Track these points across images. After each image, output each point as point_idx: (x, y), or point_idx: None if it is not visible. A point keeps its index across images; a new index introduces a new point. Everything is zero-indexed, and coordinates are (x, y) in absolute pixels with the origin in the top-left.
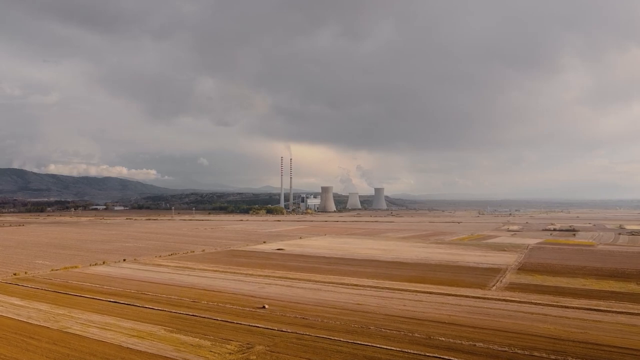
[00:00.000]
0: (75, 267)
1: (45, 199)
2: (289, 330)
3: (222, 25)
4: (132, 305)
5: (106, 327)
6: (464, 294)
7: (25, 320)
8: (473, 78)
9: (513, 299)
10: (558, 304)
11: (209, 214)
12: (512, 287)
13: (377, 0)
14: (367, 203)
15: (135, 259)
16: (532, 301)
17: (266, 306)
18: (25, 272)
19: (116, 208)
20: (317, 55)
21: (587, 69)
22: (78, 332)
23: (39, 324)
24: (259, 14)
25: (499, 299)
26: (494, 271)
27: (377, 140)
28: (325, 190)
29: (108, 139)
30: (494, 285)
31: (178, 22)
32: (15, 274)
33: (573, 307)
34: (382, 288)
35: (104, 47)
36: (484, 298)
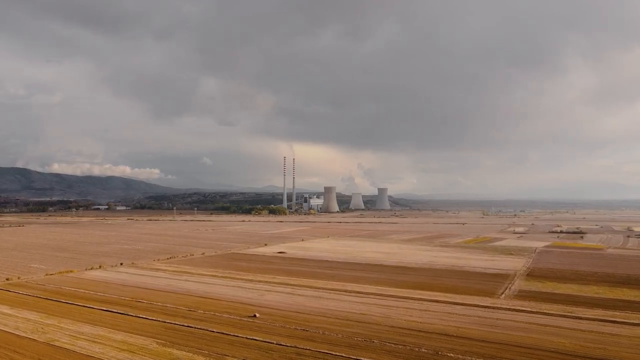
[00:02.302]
0: (71, 271)
1: (48, 199)
2: (288, 344)
3: (223, 26)
4: (126, 314)
5: (96, 340)
6: (472, 303)
7: (12, 331)
8: (475, 78)
9: (523, 308)
10: (571, 314)
11: (211, 214)
12: (522, 295)
13: (379, 0)
14: (370, 203)
15: (132, 263)
16: (544, 311)
17: (257, 314)
18: (19, 277)
19: (118, 208)
20: (319, 56)
21: (591, 69)
22: (66, 346)
23: (26, 335)
24: (260, 14)
25: (508, 309)
26: (502, 277)
27: (379, 140)
28: (328, 190)
29: (111, 139)
30: (502, 293)
31: (180, 23)
32: (8, 279)
33: (587, 319)
34: (387, 296)
35: (106, 47)
36: (493, 307)
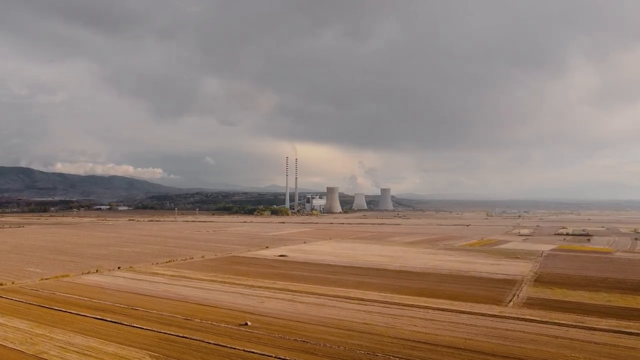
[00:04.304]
0: (67, 275)
1: (50, 199)
2: (287, 358)
3: (225, 26)
4: (120, 323)
5: (87, 352)
6: (479, 312)
7: (0, 342)
8: (477, 78)
9: (533, 318)
10: (583, 325)
11: (213, 214)
12: (531, 302)
13: (379, 0)
14: (373, 203)
15: (130, 267)
16: (555, 321)
17: (249, 322)
18: (12, 282)
19: (120, 208)
20: (320, 55)
21: (594, 69)
22: (54, 359)
23: (14, 347)
24: (262, 14)
25: (517, 318)
26: (509, 283)
27: (382, 139)
28: (330, 190)
29: (114, 138)
30: (510, 301)
31: (182, 22)
32: (1, 284)
33: (601, 330)
34: (390, 303)
35: (108, 47)
36: (502, 317)
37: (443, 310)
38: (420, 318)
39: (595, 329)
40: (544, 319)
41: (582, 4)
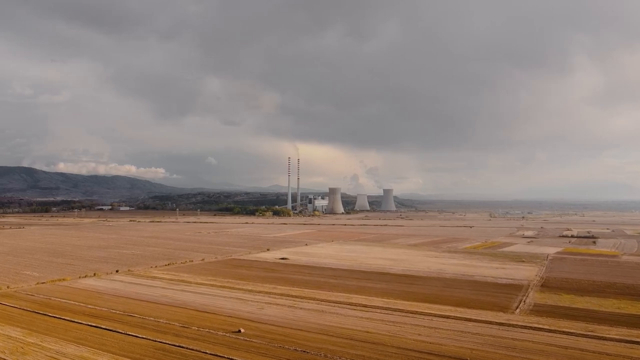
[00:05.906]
0: (64, 279)
1: (52, 199)
2: None
3: (227, 26)
4: (114, 331)
5: None
6: (485, 319)
7: None
8: (481, 78)
9: (541, 326)
10: (594, 334)
11: (215, 215)
12: (538, 309)
13: (383, 0)
14: (375, 204)
15: (129, 270)
16: (564, 330)
17: (241, 330)
18: (8, 287)
19: (122, 208)
20: (323, 55)
21: (597, 69)
22: None
23: (3, 357)
24: (264, 14)
25: (525, 327)
26: (515, 288)
27: (384, 140)
28: (333, 191)
29: (117, 138)
30: (517, 308)
31: (184, 23)
32: None
33: (612, 339)
34: (394, 310)
35: (111, 48)
36: (508, 325)
37: (448, 317)
38: (425, 326)
39: (606, 339)
40: (552, 328)
41: (585, 3)
